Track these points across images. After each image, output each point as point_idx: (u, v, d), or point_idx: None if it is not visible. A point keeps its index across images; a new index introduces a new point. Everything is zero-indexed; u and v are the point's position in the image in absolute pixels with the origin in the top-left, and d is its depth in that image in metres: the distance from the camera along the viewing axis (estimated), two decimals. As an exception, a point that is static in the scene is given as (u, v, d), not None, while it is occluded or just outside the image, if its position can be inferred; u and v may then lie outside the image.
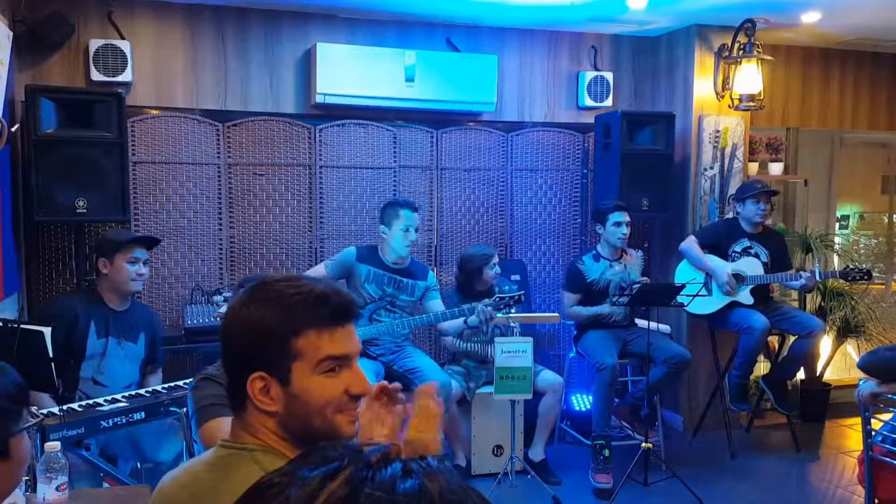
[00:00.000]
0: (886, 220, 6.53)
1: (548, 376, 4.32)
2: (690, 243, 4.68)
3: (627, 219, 4.41)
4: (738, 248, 4.63)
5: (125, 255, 3.36)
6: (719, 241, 4.66)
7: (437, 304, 4.20)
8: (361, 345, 3.90)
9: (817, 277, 4.47)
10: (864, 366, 3.14)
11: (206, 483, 1.24)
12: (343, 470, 0.59)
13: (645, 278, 4.58)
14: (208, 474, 1.25)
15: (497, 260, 4.39)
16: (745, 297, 4.56)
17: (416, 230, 4.12)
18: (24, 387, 1.45)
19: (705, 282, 4.58)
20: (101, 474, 2.98)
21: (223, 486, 1.20)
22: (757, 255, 4.61)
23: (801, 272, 4.56)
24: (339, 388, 1.24)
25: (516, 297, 3.96)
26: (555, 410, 4.36)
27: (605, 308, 4.42)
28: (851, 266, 4.63)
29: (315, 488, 0.58)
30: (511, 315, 3.98)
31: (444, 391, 3.91)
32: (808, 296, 5.39)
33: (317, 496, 0.58)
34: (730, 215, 4.89)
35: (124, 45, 4.18)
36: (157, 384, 3.55)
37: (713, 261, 4.61)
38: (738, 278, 4.54)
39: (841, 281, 4.83)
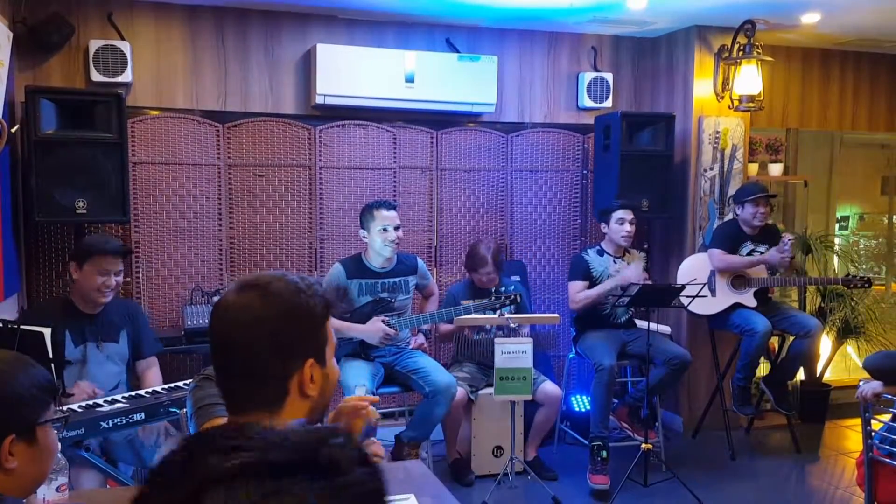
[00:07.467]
0: (886, 220, 6.54)
1: (548, 388, 4.26)
2: (724, 256, 4.58)
3: (631, 216, 4.40)
4: (743, 252, 4.62)
5: (94, 265, 3.20)
6: (732, 246, 4.65)
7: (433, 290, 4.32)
8: (360, 347, 3.93)
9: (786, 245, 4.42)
10: (869, 366, 3.14)
11: None
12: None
13: (646, 275, 4.56)
14: None
15: (488, 269, 4.23)
16: (748, 298, 4.56)
17: (398, 228, 3.93)
18: (53, 383, 1.52)
19: (705, 283, 4.58)
20: (102, 476, 2.97)
21: None
22: None
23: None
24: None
25: (512, 297, 3.97)
26: (550, 422, 4.36)
27: (609, 283, 4.33)
28: (853, 273, 4.59)
29: None
30: (511, 316, 3.98)
31: (450, 392, 3.91)
32: (808, 296, 5.39)
33: None
34: (729, 216, 4.88)
35: (124, 46, 4.18)
36: (156, 378, 3.51)
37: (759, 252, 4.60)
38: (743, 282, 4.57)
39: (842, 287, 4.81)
